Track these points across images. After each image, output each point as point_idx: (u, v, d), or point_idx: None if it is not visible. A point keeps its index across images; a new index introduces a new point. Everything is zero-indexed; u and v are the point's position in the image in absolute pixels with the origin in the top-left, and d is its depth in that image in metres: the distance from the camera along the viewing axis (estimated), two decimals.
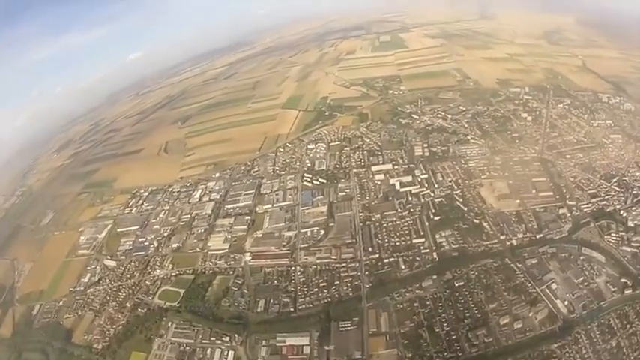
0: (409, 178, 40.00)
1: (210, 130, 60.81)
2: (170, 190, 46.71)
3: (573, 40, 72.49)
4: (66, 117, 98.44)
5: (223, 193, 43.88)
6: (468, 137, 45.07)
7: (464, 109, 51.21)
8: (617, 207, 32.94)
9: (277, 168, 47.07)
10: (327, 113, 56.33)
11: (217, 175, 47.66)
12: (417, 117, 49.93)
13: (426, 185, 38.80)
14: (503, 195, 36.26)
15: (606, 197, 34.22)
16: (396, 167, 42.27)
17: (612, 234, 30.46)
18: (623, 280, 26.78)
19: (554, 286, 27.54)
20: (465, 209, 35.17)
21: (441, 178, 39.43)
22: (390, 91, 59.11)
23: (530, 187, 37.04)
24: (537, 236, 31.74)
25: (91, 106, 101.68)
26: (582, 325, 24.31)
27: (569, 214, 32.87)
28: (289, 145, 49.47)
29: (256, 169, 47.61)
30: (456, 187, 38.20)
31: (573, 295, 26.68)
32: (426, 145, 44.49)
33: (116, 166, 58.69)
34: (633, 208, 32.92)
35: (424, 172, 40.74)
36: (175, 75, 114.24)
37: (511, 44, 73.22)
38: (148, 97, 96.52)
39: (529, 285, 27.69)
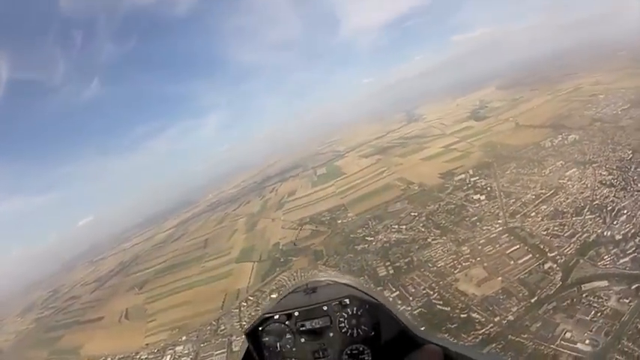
0: None
1: (168, 293, 73.31)
2: (138, 357, 54.66)
3: (499, 107, 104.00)
4: (23, 281, 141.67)
5: (194, 355, 50.44)
6: (429, 240, 58.32)
7: (416, 214, 67.14)
8: (599, 231, 45.05)
9: (244, 323, 55.44)
10: (282, 260, 69.45)
11: (184, 338, 55.29)
12: (372, 238, 64.16)
13: (400, 302, 47.97)
14: (482, 280, 46.21)
15: (584, 230, 46.61)
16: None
17: (605, 256, 40.72)
18: (634, 286, 35.57)
19: (568, 335, 34.47)
20: (448, 309, 43.57)
21: (413, 290, 49.24)
22: (339, 222, 75.67)
23: (506, 260, 48.23)
24: (532, 300, 40.51)
25: (47, 271, 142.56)
26: (612, 350, 30.86)
27: (555, 265, 43.46)
28: (251, 298, 59.59)
29: (223, 328, 55.98)
30: (431, 292, 47.72)
31: (592, 331, 33.79)
32: (388, 264, 56.47)
33: (80, 333, 73.29)
34: (614, 223, 45.40)
35: (394, 289, 50.80)
36: (126, 241, 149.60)
37: (443, 137, 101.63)
38: (102, 265, 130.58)
39: (542, 348, 34.43)
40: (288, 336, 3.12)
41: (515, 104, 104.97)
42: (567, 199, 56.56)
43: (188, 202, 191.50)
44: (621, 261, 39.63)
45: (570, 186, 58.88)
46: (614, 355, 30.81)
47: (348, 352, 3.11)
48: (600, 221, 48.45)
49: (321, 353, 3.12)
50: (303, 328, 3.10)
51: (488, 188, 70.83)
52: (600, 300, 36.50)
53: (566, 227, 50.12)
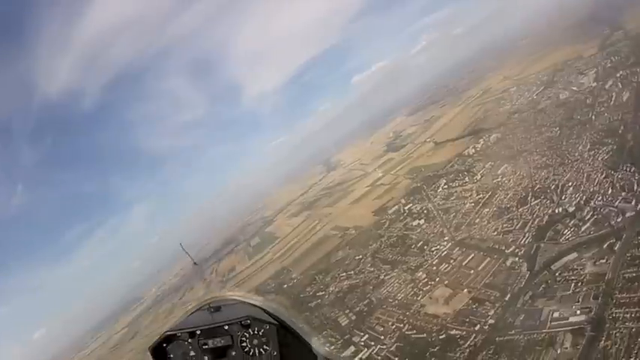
0: (351, 349, 49.27)
1: None
2: None
3: (413, 132, 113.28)
4: None
5: None
6: (381, 277, 60.48)
7: (360, 257, 69.46)
8: (549, 212, 50.36)
9: None
10: None
11: None
12: (323, 292, 64.47)
13: (372, 343, 48.68)
14: (448, 297, 48.56)
15: (535, 216, 51.65)
16: (332, 347, 51.02)
17: (564, 232, 45.27)
18: (606, 245, 39.96)
19: (556, 314, 37.34)
20: (424, 335, 45.07)
21: (382, 328, 50.30)
22: (285, 286, 74.81)
23: (465, 271, 51.54)
24: (506, 298, 43.63)
25: None
26: (608, 307, 34.14)
27: (516, 259, 47.47)
28: None
29: None
30: (401, 325, 49.14)
31: (579, 301, 37.06)
32: (347, 311, 57.07)
33: None
34: (562, 198, 51.17)
35: (362, 334, 51.31)
36: (84, 348, 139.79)
37: (366, 176, 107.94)
38: None
39: (536, 336, 36.85)
40: (192, 353, 3.54)
41: (428, 125, 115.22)
42: (507, 194, 61.95)
43: (133, 299, 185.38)
44: (583, 228, 43.09)
45: (506, 182, 64.82)
46: (612, 310, 33.19)
47: None
48: (548, 202, 53.87)
49: None
50: (206, 347, 3.52)
51: (425, 211, 75.57)
52: (576, 271, 39.56)
53: (515, 220, 53.96)
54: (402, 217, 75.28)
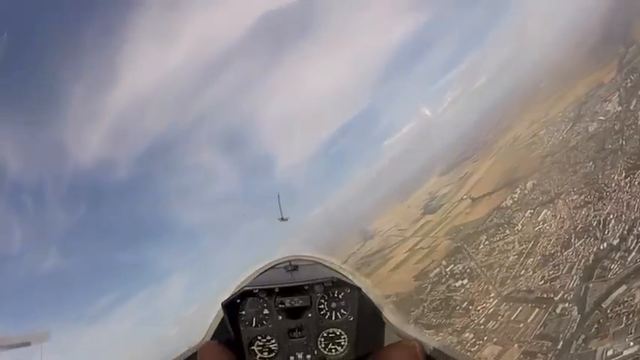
0: None
1: None
2: None
3: (448, 191, 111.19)
4: None
5: None
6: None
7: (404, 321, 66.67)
8: (594, 249, 47.91)
9: None
10: None
11: None
12: None
13: None
14: (498, 355, 45.72)
15: (580, 257, 49.23)
16: None
17: (612, 266, 42.84)
18: None
19: (610, 352, 34.36)
20: None
21: None
22: None
23: (514, 325, 48.59)
24: (559, 347, 40.67)
25: None
26: None
27: (566, 304, 44.88)
28: None
29: None
30: None
31: (632, 333, 34.23)
32: None
33: None
34: (606, 233, 48.68)
35: None
36: None
37: (404, 241, 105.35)
38: None
39: None
40: (265, 312, 3.51)
41: (463, 182, 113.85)
42: (550, 240, 59.75)
43: None
44: (629, 259, 41.67)
45: (548, 228, 62.49)
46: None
47: (325, 334, 3.57)
48: (591, 240, 51.31)
49: (297, 333, 3.53)
50: (282, 306, 3.47)
51: (468, 270, 72.96)
52: (626, 303, 37.73)
53: (560, 265, 52.94)
54: (444, 280, 72.63)
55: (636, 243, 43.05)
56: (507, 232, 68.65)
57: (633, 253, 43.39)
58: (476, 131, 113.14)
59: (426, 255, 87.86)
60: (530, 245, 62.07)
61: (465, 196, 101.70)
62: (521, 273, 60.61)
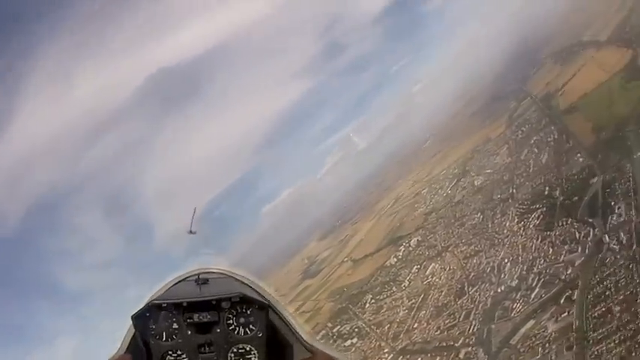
0: None
1: None
2: None
3: (328, 255, 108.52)
4: None
5: None
6: None
7: None
8: (492, 293, 48.66)
9: None
10: None
11: None
12: None
13: None
14: None
15: (477, 302, 49.32)
16: None
17: (514, 305, 43.39)
18: (563, 299, 38.70)
19: None
20: None
21: None
22: None
23: None
24: None
25: None
26: (588, 351, 32.39)
27: (470, 348, 44.51)
28: None
29: None
30: None
31: (554, 359, 35.15)
32: None
33: None
34: (502, 276, 50.10)
35: None
36: None
37: (285, 306, 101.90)
38: None
39: None
40: (175, 326, 3.38)
41: (343, 245, 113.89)
42: (441, 292, 59.63)
43: None
44: (532, 295, 42.04)
45: (437, 280, 62.77)
46: (593, 350, 33.00)
47: (235, 350, 3.48)
48: (487, 285, 51.96)
49: (206, 348, 3.43)
50: (191, 320, 3.36)
51: (356, 329, 70.67)
52: (539, 335, 37.85)
53: (456, 313, 51.82)
54: (331, 341, 69.56)
55: (538, 280, 44.38)
56: (394, 289, 68.21)
57: (537, 290, 44.48)
58: (357, 194, 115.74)
59: (310, 318, 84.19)
60: (420, 299, 61.70)
61: (345, 259, 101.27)
62: (415, 326, 59.52)
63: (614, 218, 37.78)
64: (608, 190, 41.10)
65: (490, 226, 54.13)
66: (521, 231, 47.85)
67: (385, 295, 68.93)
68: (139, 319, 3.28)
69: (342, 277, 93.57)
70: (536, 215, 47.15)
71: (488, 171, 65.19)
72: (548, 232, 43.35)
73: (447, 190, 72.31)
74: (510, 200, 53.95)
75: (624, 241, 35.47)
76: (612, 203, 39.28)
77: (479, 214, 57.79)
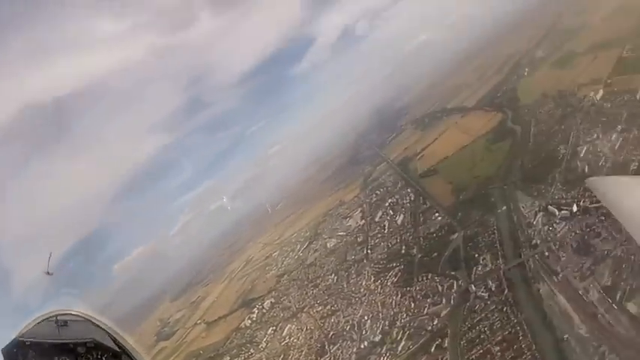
0: None
1: None
2: None
3: (180, 317, 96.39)
4: None
5: None
6: None
7: None
8: (355, 350, 50.52)
9: None
10: None
11: None
12: None
13: None
14: None
15: (340, 359, 51.96)
16: None
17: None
18: (433, 347, 40.59)
19: None
20: None
21: None
22: None
23: None
24: None
25: None
26: None
27: None
28: None
29: None
30: None
31: None
32: None
33: None
34: (363, 332, 52.21)
35: None
36: None
37: None
38: None
39: None
40: None
41: (195, 306, 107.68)
42: (301, 351, 59.89)
43: None
44: (399, 348, 44.31)
45: (296, 340, 63.14)
46: None
47: None
48: (349, 342, 53.80)
49: None
50: None
51: None
52: None
53: None
54: None
55: (403, 333, 46.90)
56: (252, 350, 67.22)
57: (403, 342, 46.80)
58: (208, 254, 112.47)
59: None
60: (280, 359, 61.32)
61: (199, 321, 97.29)
62: None
63: (480, 269, 40.36)
64: (470, 244, 43.53)
65: (346, 286, 55.08)
66: (378, 289, 49.24)
67: (243, 357, 67.64)
68: (8, 355, 3.42)
69: (196, 339, 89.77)
70: (394, 273, 48.92)
71: (341, 233, 67.15)
72: (408, 288, 45.10)
73: (299, 253, 73.47)
74: (365, 260, 55.28)
75: (493, 288, 37.90)
76: (476, 255, 41.83)
77: (333, 275, 58.82)
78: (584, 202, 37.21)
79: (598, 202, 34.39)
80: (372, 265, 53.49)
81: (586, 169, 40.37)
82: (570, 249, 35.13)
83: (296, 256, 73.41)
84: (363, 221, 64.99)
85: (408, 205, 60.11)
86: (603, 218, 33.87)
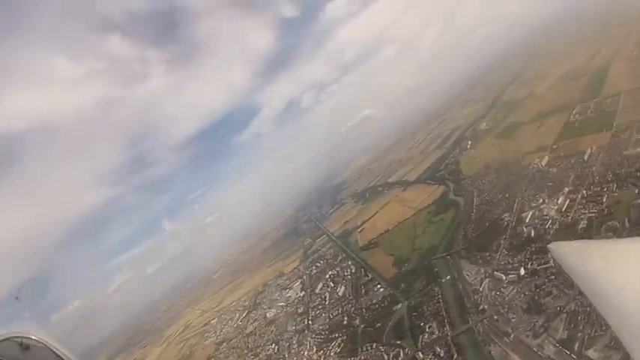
0: None
1: None
2: None
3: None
4: None
5: None
6: None
7: None
8: None
9: None
10: None
11: None
12: None
13: None
14: None
15: None
16: None
17: None
18: None
19: None
20: None
21: None
22: None
23: None
24: None
25: None
26: None
27: None
28: None
29: None
30: None
31: None
32: None
33: None
34: None
35: None
36: None
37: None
38: None
39: None
40: None
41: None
42: None
43: None
44: None
45: None
46: None
47: None
48: None
49: None
50: None
51: None
52: None
53: None
54: None
55: None
56: None
57: None
58: (146, 316, 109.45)
59: None
60: None
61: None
62: None
63: (426, 336, 40.99)
64: (415, 314, 44.42)
65: (287, 355, 54.60)
66: (321, 359, 49.22)
67: None
68: None
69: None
70: (337, 343, 48.96)
71: (281, 304, 67.23)
72: (353, 358, 45.27)
73: (238, 322, 73.43)
74: (307, 331, 54.95)
75: (442, 354, 38.25)
76: (422, 324, 42.52)
77: (273, 344, 58.34)
78: (531, 264, 38.72)
79: (546, 263, 36.33)
80: (314, 335, 53.44)
81: (532, 234, 42.13)
82: (520, 310, 36.00)
83: (235, 325, 72.95)
84: (304, 292, 65.52)
85: (349, 277, 60.57)
86: (553, 277, 35.31)
